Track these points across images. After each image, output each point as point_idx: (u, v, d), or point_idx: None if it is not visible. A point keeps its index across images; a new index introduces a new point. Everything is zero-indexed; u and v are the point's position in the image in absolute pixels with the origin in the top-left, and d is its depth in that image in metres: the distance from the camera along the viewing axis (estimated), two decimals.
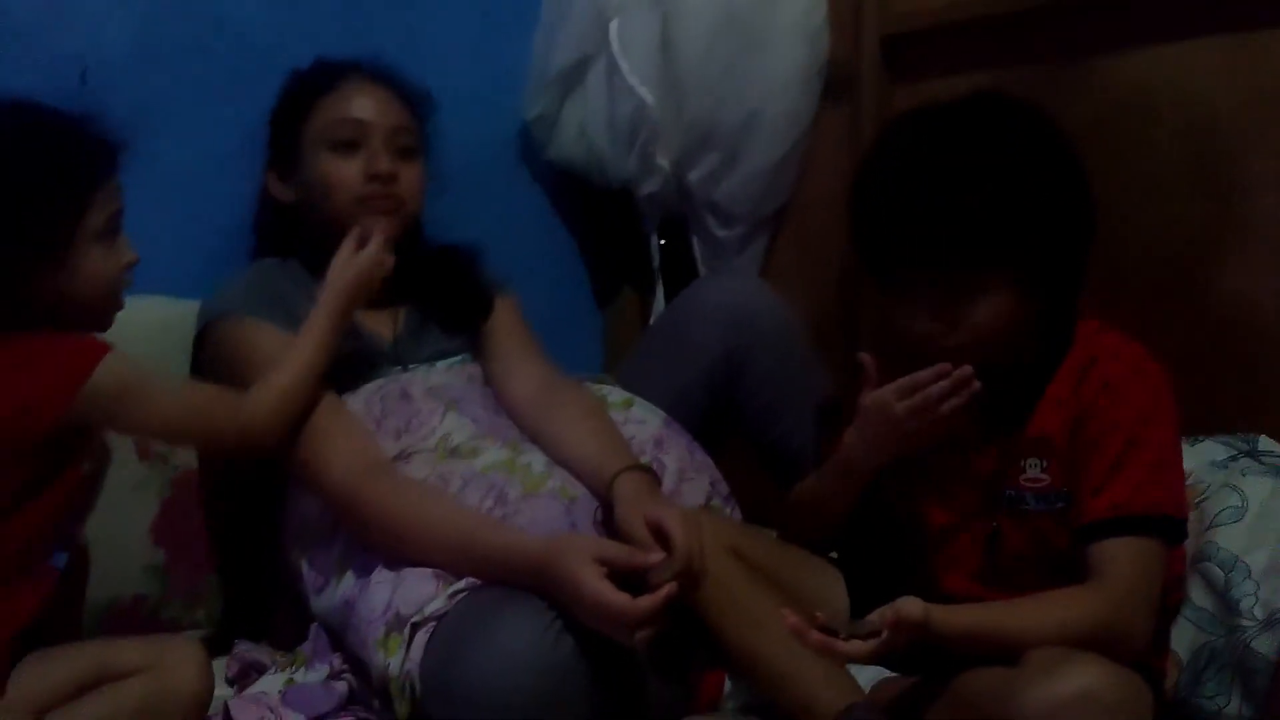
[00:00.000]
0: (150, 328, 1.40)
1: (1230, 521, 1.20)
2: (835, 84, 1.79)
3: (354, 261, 1.32)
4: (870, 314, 1.75)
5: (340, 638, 1.23)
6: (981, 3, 1.63)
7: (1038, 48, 1.58)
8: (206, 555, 1.42)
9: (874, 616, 1.01)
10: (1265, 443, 1.31)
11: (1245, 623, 1.14)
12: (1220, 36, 1.41)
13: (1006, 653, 1.02)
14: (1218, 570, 1.18)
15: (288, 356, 1.26)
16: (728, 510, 1.37)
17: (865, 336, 1.76)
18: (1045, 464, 1.17)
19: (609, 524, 1.21)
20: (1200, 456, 1.28)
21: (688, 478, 1.33)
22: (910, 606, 1.01)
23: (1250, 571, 1.15)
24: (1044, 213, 1.12)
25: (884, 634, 1.01)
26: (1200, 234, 1.44)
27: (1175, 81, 1.44)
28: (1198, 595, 1.19)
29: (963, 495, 1.21)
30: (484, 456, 1.27)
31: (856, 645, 1.01)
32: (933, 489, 1.23)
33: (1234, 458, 1.30)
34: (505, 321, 1.49)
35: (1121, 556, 1.08)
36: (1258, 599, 1.14)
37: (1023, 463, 1.17)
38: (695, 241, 1.89)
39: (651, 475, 1.27)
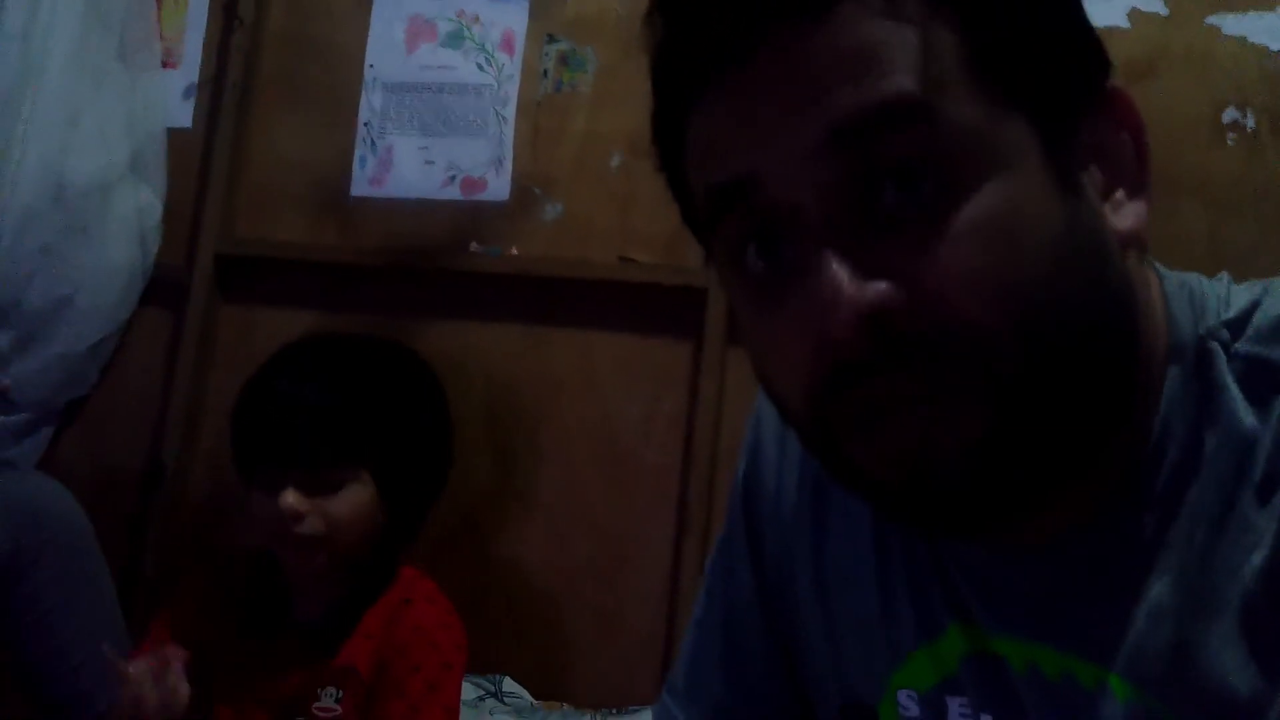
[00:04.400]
0: None
1: None
2: (161, 287, 1.77)
3: None
4: (161, 526, 1.70)
5: None
6: (312, 248, 1.74)
7: (363, 299, 1.72)
8: None
9: None
10: (509, 684, 1.48)
11: None
12: (516, 324, 1.66)
13: None
14: None
15: None
16: None
17: (153, 542, 1.70)
18: (341, 694, 1.21)
19: None
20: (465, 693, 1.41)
21: None
22: None
23: None
24: (401, 426, 1.26)
25: None
26: (489, 495, 1.62)
27: (482, 353, 1.66)
28: None
29: (256, 714, 1.21)
30: None
31: None
32: (228, 710, 1.22)
33: (482, 698, 1.45)
34: None
35: None
36: None
37: (320, 691, 1.21)
38: None
39: None
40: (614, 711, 1.36)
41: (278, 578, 1.27)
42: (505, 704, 1.45)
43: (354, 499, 1.22)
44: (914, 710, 0.60)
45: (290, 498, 1.19)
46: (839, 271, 0.47)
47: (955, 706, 0.59)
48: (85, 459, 1.75)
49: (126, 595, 1.54)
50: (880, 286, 0.47)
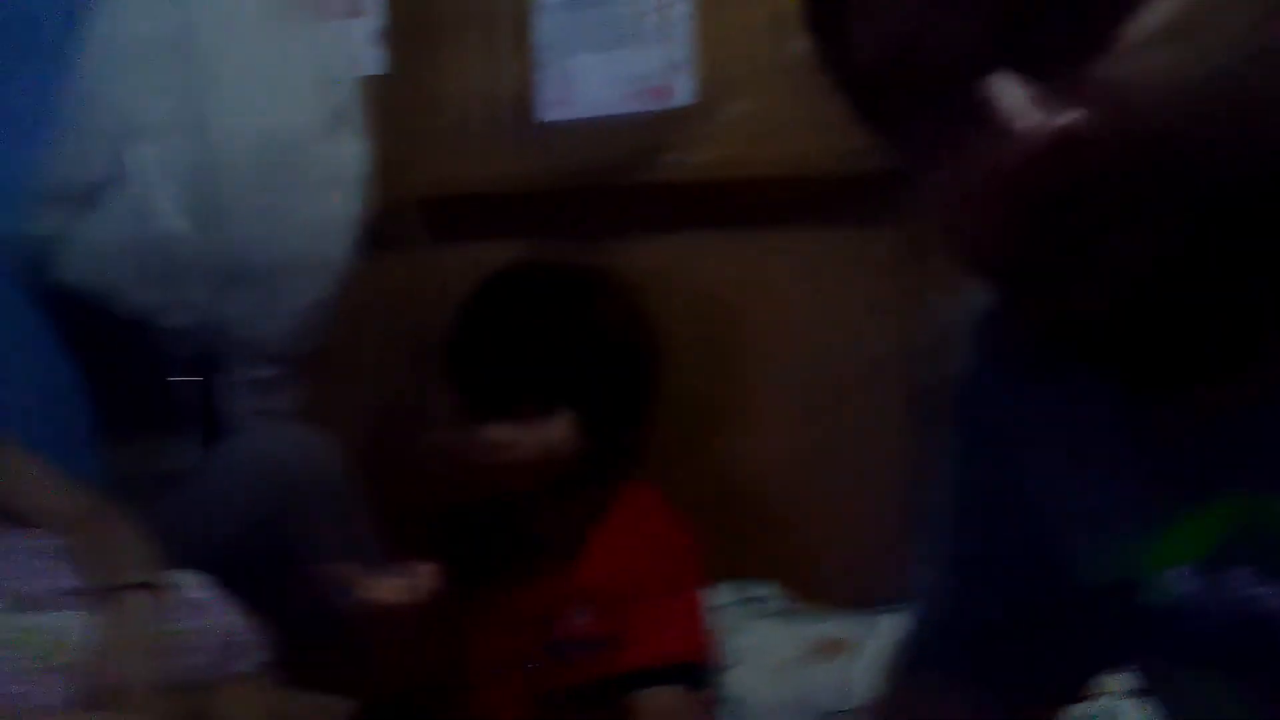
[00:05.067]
0: None
1: (738, 663, 1.36)
2: (376, 235, 1.84)
3: None
4: (398, 452, 1.80)
5: None
6: (506, 180, 1.77)
7: (561, 224, 1.74)
8: None
9: None
10: (762, 589, 1.50)
11: None
12: (717, 231, 1.65)
13: None
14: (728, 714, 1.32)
15: None
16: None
17: (394, 475, 1.79)
18: (589, 612, 1.26)
19: None
20: (713, 600, 1.44)
21: (235, 645, 1.26)
22: None
23: (756, 713, 1.31)
24: (606, 362, 1.25)
25: None
26: (709, 406, 1.64)
27: (686, 264, 1.66)
28: None
29: (506, 638, 1.27)
30: None
31: None
32: (477, 630, 1.28)
33: (735, 603, 1.48)
34: (11, 453, 1.39)
35: (665, 706, 1.19)
36: None
37: (568, 610, 1.26)
38: (225, 380, 1.81)
39: (148, 596, 1.22)
40: (866, 610, 1.36)
41: (506, 504, 1.31)
42: (759, 608, 1.47)
43: (554, 430, 1.24)
44: (1186, 585, 0.58)
45: (492, 432, 1.22)
46: (1022, 101, 0.45)
47: (1234, 578, 0.56)
48: (331, 407, 1.86)
49: (384, 534, 1.64)
50: (1066, 114, 0.45)
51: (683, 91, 1.66)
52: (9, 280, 1.74)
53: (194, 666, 1.19)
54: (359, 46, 1.85)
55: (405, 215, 1.81)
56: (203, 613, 1.26)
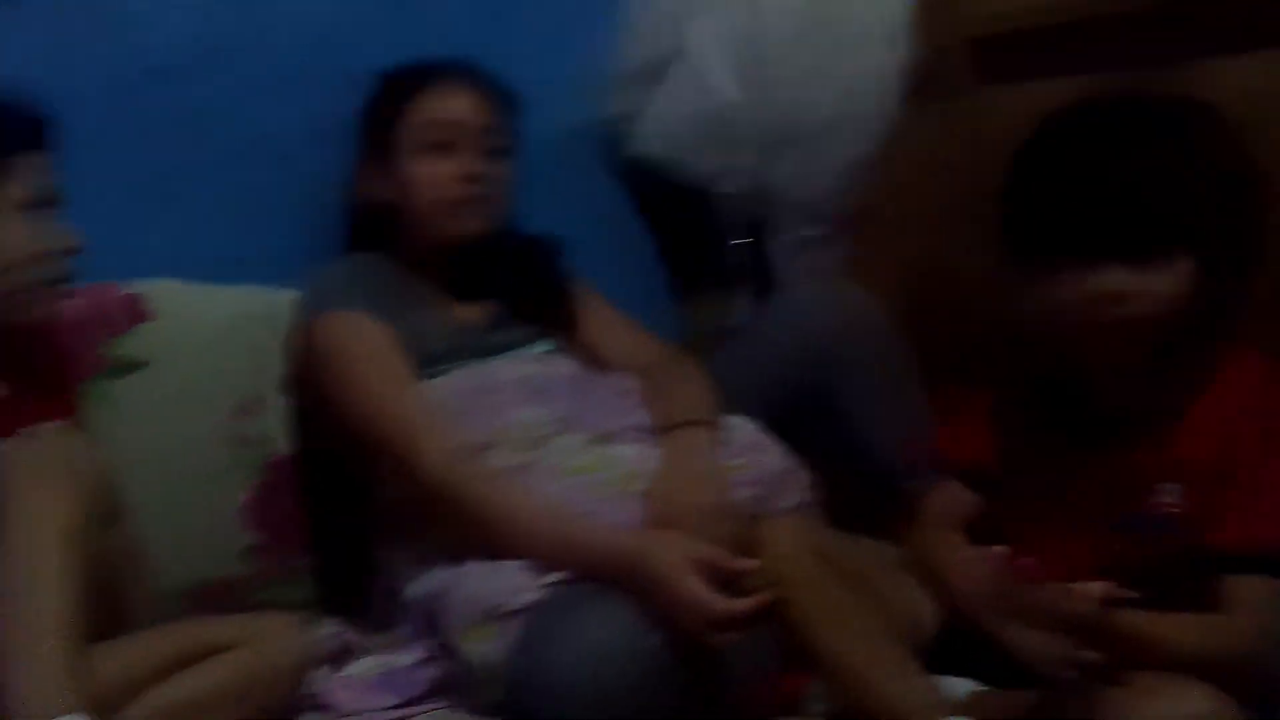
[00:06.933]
0: (233, 316, 1.44)
1: None
2: (921, 84, 1.78)
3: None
4: (949, 313, 1.75)
5: (432, 624, 1.25)
6: (1075, 7, 1.62)
7: (1133, 52, 1.55)
8: (299, 538, 1.44)
9: (1076, 587, 0.99)
10: None
11: None
12: None
13: (1152, 662, 1.03)
14: None
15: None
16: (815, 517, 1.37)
17: (945, 335, 1.75)
18: (1181, 489, 1.14)
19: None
20: None
21: (783, 482, 1.33)
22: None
23: None
24: (1221, 198, 1.11)
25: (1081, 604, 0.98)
26: None
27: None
28: None
29: (1088, 508, 1.20)
30: (567, 449, 1.29)
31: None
32: (1058, 500, 1.22)
33: None
34: (597, 306, 1.56)
35: (1257, 596, 1.09)
36: None
37: (1158, 485, 1.16)
38: (774, 241, 1.88)
39: (707, 433, 1.29)
40: None
41: (1074, 366, 1.20)
42: None
43: (1176, 278, 1.10)
44: None
45: (1113, 279, 1.10)
46: None
47: None
48: (881, 262, 1.85)
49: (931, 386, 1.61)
50: None
51: None
52: (592, 156, 1.94)
53: (744, 499, 1.26)
54: None
55: (954, 59, 1.72)
56: (755, 452, 1.33)
